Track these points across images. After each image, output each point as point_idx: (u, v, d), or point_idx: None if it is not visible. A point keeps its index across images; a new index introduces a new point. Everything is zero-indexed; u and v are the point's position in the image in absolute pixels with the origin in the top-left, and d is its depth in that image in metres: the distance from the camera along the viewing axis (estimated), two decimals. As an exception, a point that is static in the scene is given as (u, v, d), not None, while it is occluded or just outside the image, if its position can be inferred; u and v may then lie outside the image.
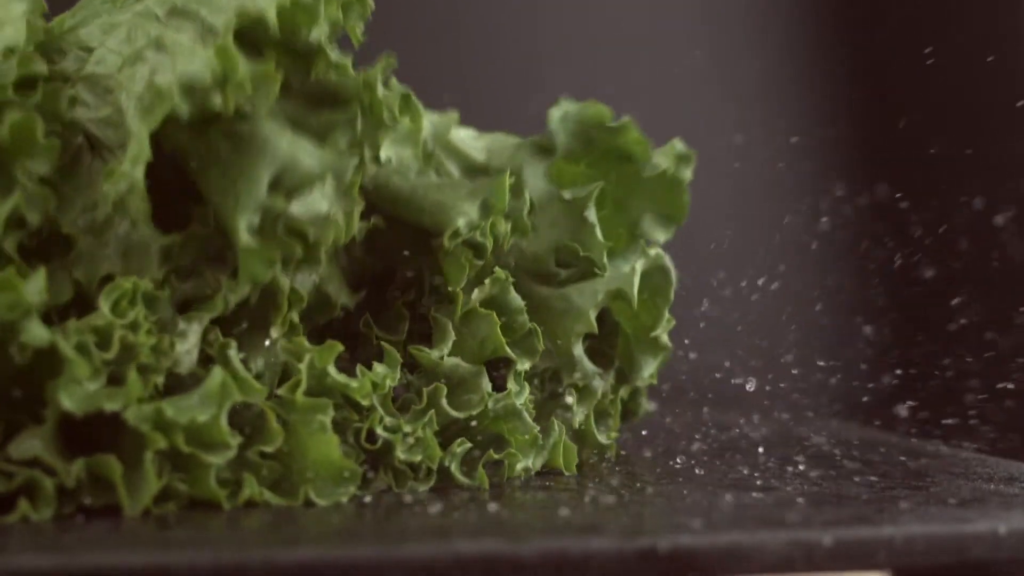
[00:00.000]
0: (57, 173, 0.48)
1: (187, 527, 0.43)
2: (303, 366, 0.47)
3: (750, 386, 0.65)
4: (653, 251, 0.58)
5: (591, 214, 0.56)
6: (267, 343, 0.50)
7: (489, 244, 0.53)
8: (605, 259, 0.56)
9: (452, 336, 0.53)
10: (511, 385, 0.53)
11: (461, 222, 0.53)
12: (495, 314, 0.53)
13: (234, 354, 0.47)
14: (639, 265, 0.57)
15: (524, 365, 0.54)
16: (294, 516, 0.45)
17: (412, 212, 0.54)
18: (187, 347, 0.47)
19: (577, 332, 0.55)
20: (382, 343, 0.52)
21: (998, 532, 0.45)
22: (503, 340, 0.53)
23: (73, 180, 0.48)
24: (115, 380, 0.45)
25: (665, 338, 0.59)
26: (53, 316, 0.47)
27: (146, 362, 0.45)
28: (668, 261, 0.58)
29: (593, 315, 0.55)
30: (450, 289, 0.53)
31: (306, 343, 0.48)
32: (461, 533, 0.43)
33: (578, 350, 0.56)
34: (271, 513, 0.46)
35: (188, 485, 0.45)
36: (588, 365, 0.56)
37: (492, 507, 0.48)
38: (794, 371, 0.96)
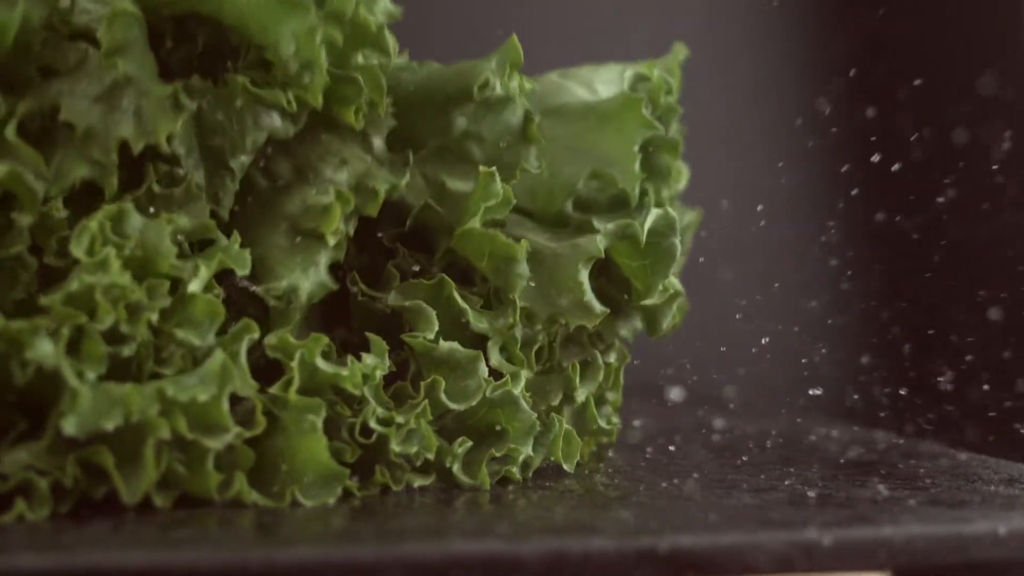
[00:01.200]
0: (63, 75, 0.49)
1: (186, 527, 0.43)
2: (294, 364, 0.47)
3: (818, 392, 0.65)
4: (669, 211, 0.55)
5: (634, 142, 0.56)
6: (320, 259, 0.50)
7: (516, 98, 0.53)
8: (637, 190, 0.55)
9: (433, 313, 0.53)
10: (494, 360, 0.53)
11: (488, 73, 0.53)
12: (453, 284, 0.53)
13: (244, 348, 0.47)
14: (653, 213, 0.55)
15: (481, 322, 0.53)
16: (293, 516, 0.45)
17: (432, 93, 0.54)
18: (194, 281, 0.47)
19: (586, 260, 0.54)
20: (368, 335, 0.51)
21: (998, 533, 0.45)
22: (469, 310, 0.53)
23: (79, 75, 0.49)
24: (115, 339, 0.45)
25: (676, 283, 0.57)
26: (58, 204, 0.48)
27: (135, 300, 0.45)
28: (678, 237, 0.55)
29: (602, 247, 0.54)
30: (471, 203, 0.53)
31: (292, 339, 0.48)
32: (460, 533, 0.43)
33: (583, 277, 0.54)
34: (271, 513, 0.46)
35: (187, 468, 0.45)
36: (596, 304, 0.54)
37: (491, 507, 0.48)
38: (794, 371, 0.96)
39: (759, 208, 0.99)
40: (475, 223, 0.52)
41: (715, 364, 0.88)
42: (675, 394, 0.78)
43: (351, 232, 0.52)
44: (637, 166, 0.55)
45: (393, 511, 0.47)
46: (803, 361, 0.97)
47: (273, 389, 0.47)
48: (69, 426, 0.43)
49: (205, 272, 0.47)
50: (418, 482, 0.51)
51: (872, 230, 1.00)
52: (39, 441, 0.44)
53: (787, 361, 0.97)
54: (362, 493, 0.49)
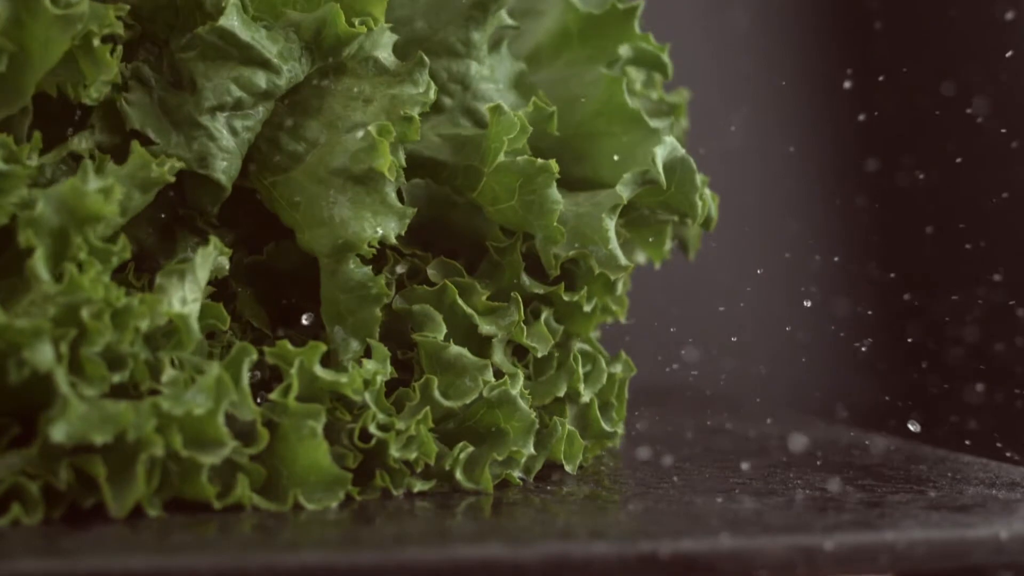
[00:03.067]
0: None
1: (187, 531, 0.43)
2: (293, 370, 0.47)
3: (914, 427, 0.64)
4: (668, 139, 0.55)
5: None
6: (388, 194, 0.50)
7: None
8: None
9: (439, 316, 0.52)
10: (498, 358, 0.53)
11: None
12: (457, 291, 0.53)
13: (244, 370, 0.47)
14: (659, 150, 0.54)
15: (488, 325, 0.53)
16: (295, 521, 0.45)
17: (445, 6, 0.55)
18: (173, 296, 0.47)
19: (610, 211, 0.53)
20: (369, 341, 0.51)
21: (999, 537, 0.45)
22: (475, 315, 0.53)
23: None
24: (111, 360, 0.45)
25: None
26: None
27: (123, 305, 0.45)
28: (683, 151, 0.55)
29: (625, 197, 0.53)
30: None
31: (290, 346, 0.48)
32: (462, 538, 0.43)
33: (609, 227, 0.53)
34: (272, 518, 0.46)
35: (180, 481, 0.45)
36: (621, 255, 0.53)
37: (492, 511, 0.48)
38: (797, 374, 0.96)
39: (761, 215, 0.99)
40: (501, 156, 0.52)
41: (717, 368, 0.88)
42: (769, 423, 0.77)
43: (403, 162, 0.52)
44: (653, 39, 0.58)
45: (394, 515, 0.47)
46: (805, 365, 0.97)
47: (272, 396, 0.47)
48: (57, 432, 0.43)
49: (189, 286, 0.47)
50: (418, 487, 0.51)
51: (882, 230, 1.00)
52: (30, 448, 0.44)
53: (790, 365, 0.96)
54: (361, 497, 0.49)
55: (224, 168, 0.51)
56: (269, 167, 0.52)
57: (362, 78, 0.52)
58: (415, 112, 0.51)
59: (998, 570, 0.47)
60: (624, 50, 0.59)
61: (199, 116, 0.50)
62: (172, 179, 0.49)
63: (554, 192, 0.53)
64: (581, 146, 0.56)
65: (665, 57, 0.59)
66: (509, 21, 0.57)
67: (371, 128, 0.50)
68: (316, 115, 0.52)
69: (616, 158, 0.56)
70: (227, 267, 0.50)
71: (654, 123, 0.57)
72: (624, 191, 0.53)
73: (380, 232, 0.50)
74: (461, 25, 0.56)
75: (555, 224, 0.53)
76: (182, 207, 0.52)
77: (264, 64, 0.51)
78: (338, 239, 0.50)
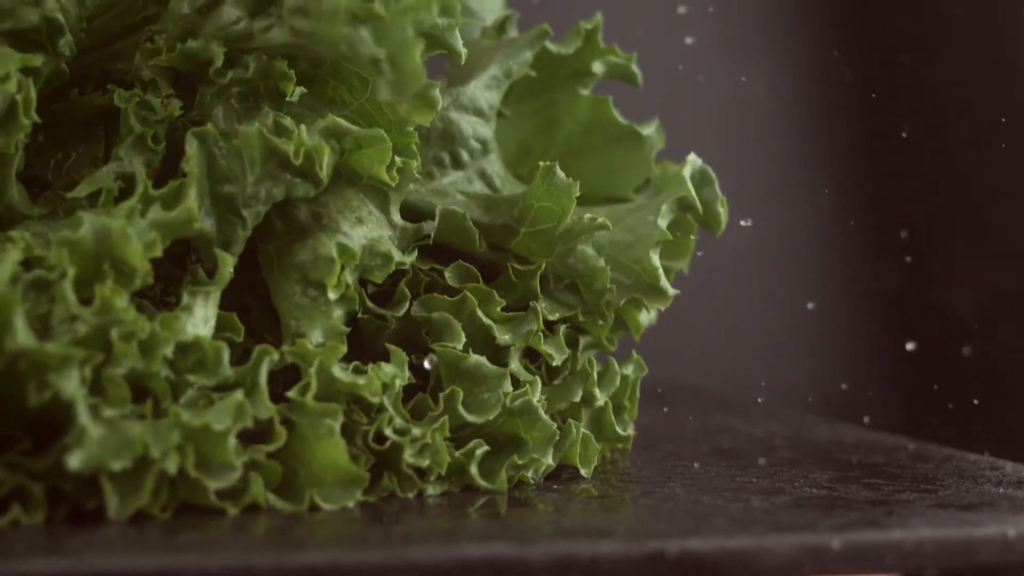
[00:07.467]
0: None
1: (195, 531, 0.43)
2: (312, 370, 0.47)
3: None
4: (691, 156, 0.55)
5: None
6: (330, 311, 0.50)
7: None
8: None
9: (458, 324, 0.52)
10: (515, 366, 0.53)
11: None
12: (476, 302, 0.53)
13: (265, 368, 0.47)
14: (687, 171, 0.54)
15: (505, 334, 0.53)
16: (302, 520, 0.45)
17: None
18: (197, 316, 0.47)
19: (655, 245, 0.53)
20: (388, 346, 0.51)
21: (1007, 535, 0.45)
22: (493, 325, 0.53)
23: None
24: (133, 381, 0.45)
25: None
26: None
27: (150, 331, 0.45)
28: (700, 161, 0.55)
29: (665, 227, 0.53)
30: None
31: (310, 347, 0.48)
32: (468, 537, 0.43)
33: (656, 262, 0.53)
34: (279, 517, 0.46)
35: (188, 494, 0.45)
36: (669, 288, 0.53)
37: (500, 510, 0.48)
38: (802, 373, 0.96)
39: (761, 213, 0.99)
40: (546, 222, 0.53)
41: (722, 367, 0.88)
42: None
43: (350, 280, 0.51)
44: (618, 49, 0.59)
45: (402, 515, 0.47)
46: (810, 363, 0.97)
47: (290, 393, 0.47)
48: (74, 460, 0.43)
49: (205, 309, 0.47)
50: (430, 490, 0.50)
51: (883, 230, 1.00)
52: (39, 459, 0.44)
53: (795, 363, 0.96)
54: (364, 497, 0.49)
55: (238, 250, 0.50)
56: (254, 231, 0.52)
57: (365, 202, 0.52)
58: (394, 261, 0.51)
59: (1005, 568, 0.47)
60: (597, 66, 0.59)
61: (243, 208, 0.50)
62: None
63: (593, 250, 0.53)
64: (567, 165, 0.56)
65: (634, 67, 0.60)
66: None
67: (335, 244, 0.50)
68: (309, 201, 0.52)
69: (615, 170, 0.58)
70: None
71: (644, 131, 0.59)
72: (663, 222, 0.53)
73: (315, 339, 0.50)
74: (491, 86, 0.56)
75: (606, 284, 0.53)
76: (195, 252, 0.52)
77: (314, 179, 0.50)
78: (288, 323, 0.51)
